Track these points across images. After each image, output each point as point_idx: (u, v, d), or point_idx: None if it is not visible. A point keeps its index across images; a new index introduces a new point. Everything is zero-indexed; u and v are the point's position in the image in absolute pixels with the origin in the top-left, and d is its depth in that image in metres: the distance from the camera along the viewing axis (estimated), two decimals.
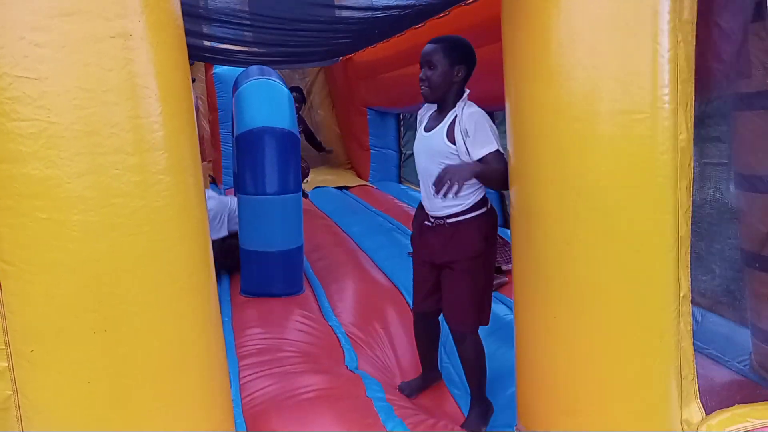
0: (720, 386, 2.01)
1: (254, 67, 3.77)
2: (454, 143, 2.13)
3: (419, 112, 2.41)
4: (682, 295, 1.74)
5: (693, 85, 1.67)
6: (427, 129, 2.26)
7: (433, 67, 2.17)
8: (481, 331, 2.31)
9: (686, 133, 1.68)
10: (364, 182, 7.29)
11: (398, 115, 7.24)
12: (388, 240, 4.34)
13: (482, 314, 2.29)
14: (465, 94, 2.21)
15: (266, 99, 3.35)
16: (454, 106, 2.18)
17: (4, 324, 1.34)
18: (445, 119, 2.18)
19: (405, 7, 3.75)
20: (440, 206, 2.21)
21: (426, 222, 2.30)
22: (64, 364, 1.33)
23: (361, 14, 4.19)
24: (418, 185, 7.52)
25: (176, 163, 1.42)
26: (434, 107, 2.29)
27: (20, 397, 1.37)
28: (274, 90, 3.41)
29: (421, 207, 2.36)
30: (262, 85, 3.40)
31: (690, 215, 1.73)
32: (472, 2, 3.58)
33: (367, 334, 2.84)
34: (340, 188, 7.00)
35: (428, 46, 2.20)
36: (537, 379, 1.88)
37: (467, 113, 2.13)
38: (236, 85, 3.65)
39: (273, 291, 3.33)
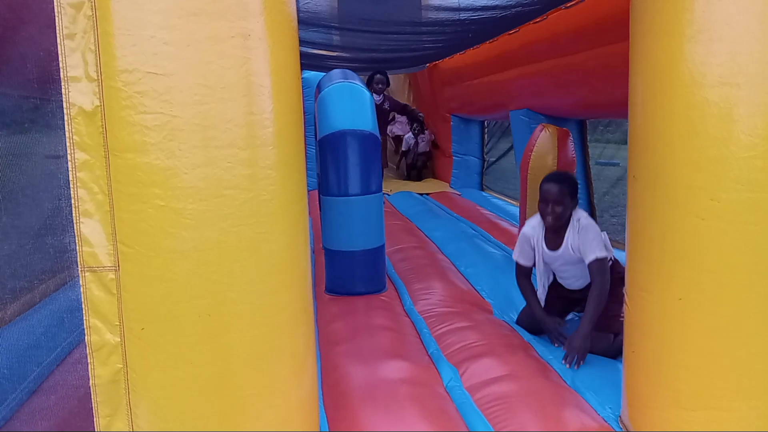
0: None
1: (337, 71, 3.84)
2: (576, 252, 2.65)
3: (527, 231, 2.81)
4: None
5: None
6: (551, 248, 2.74)
7: (560, 204, 2.63)
8: None
9: None
10: (446, 188, 7.27)
11: (482, 122, 7.17)
12: (470, 246, 4.30)
13: None
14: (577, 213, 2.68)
15: (348, 102, 3.42)
16: (569, 224, 2.67)
17: (120, 303, 1.44)
18: (566, 237, 2.67)
19: (494, 8, 3.69)
20: (577, 284, 2.84)
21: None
22: (170, 344, 1.41)
23: (450, 16, 4.17)
24: (499, 193, 7.41)
25: (283, 159, 1.47)
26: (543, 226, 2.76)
27: (129, 372, 1.47)
28: (356, 93, 3.47)
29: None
30: (344, 89, 3.47)
31: None
32: (571, 5, 3.50)
33: (449, 331, 2.82)
34: (422, 194, 7.02)
35: (553, 187, 2.65)
36: (650, 367, 1.81)
37: (584, 224, 2.63)
38: (319, 89, 3.73)
39: (357, 289, 3.38)
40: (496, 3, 3.60)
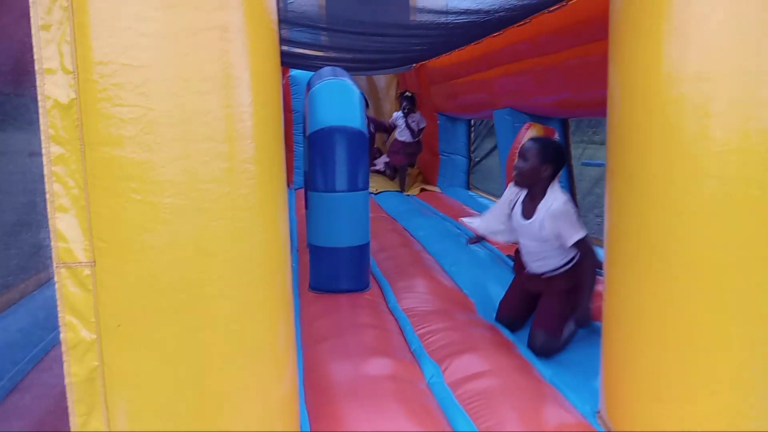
0: None
1: (327, 69, 3.85)
2: (548, 232, 2.64)
3: (507, 194, 2.89)
4: None
5: None
6: (525, 216, 2.75)
7: (528, 161, 2.66)
8: None
9: None
10: (432, 187, 7.28)
11: (469, 121, 7.20)
12: (454, 245, 4.31)
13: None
14: (554, 187, 2.68)
15: (338, 99, 3.42)
16: (543, 197, 2.66)
17: (95, 299, 1.42)
18: (537, 211, 2.68)
19: (480, 12, 3.72)
20: (536, 267, 2.82)
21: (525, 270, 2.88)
22: (147, 340, 1.39)
23: (437, 18, 4.18)
24: (486, 192, 7.42)
25: (262, 153, 1.46)
26: (524, 192, 2.78)
27: (105, 369, 1.44)
28: (346, 90, 3.47)
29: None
30: (334, 86, 3.48)
31: None
32: (554, 10, 3.52)
33: (432, 328, 2.82)
34: (408, 194, 7.02)
35: (531, 145, 2.70)
36: (627, 362, 1.83)
37: (555, 209, 2.61)
38: (309, 86, 3.74)
39: (341, 287, 3.38)
40: (480, 7, 3.61)
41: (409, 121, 7.10)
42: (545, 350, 2.63)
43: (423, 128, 7.18)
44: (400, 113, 7.20)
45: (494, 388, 2.19)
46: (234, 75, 1.39)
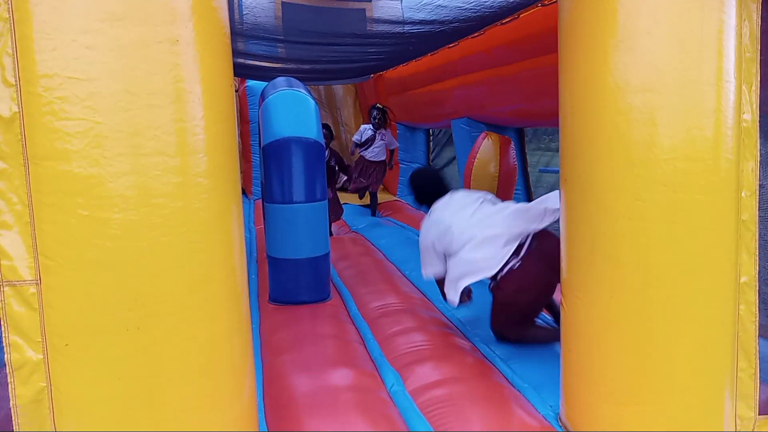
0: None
1: (281, 79, 3.82)
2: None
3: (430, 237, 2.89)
4: (742, 281, 1.71)
5: (758, 66, 1.68)
6: None
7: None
8: None
9: (751, 114, 1.67)
10: (392, 197, 7.30)
11: (428, 130, 7.27)
12: (414, 253, 4.32)
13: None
14: None
15: (293, 109, 3.40)
16: None
17: (42, 318, 1.37)
18: None
19: (435, 22, 3.77)
20: None
21: None
22: (97, 360, 1.35)
23: (393, 28, 4.22)
24: None
25: (216, 167, 1.44)
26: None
27: (53, 390, 1.39)
28: (301, 101, 3.45)
29: None
30: (288, 96, 3.46)
31: (755, 201, 1.72)
32: (507, 23, 3.60)
33: (393, 335, 2.82)
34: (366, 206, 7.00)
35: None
36: (584, 366, 1.87)
37: None
38: (263, 96, 3.71)
39: (301, 298, 3.35)
40: (434, 17, 3.66)
41: (378, 137, 6.14)
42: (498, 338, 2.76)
43: (393, 151, 6.39)
44: (368, 127, 6.21)
45: (456, 393, 2.21)
46: (185, 89, 1.37)
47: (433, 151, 7.47)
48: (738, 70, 1.67)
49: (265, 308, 3.36)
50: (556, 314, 2.84)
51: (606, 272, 1.77)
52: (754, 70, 1.73)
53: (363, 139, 6.14)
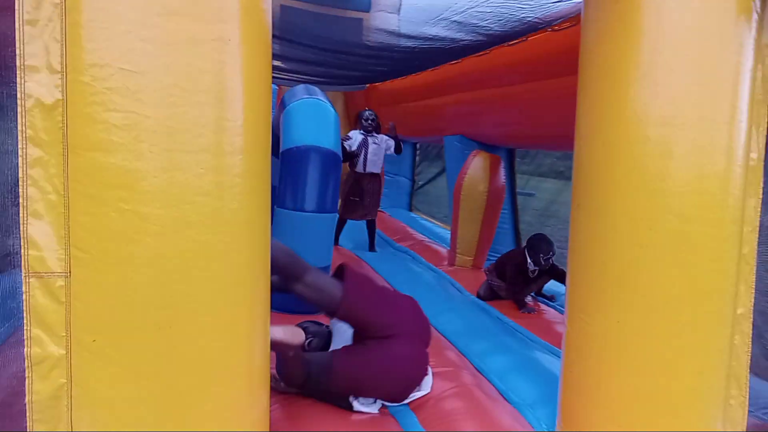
0: None
1: (300, 87, 3.84)
2: None
3: None
4: (739, 312, 1.77)
5: (767, 108, 1.75)
6: None
7: None
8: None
9: (757, 153, 1.74)
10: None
11: (414, 144, 7.31)
12: (402, 266, 4.35)
13: None
14: None
15: (314, 118, 3.41)
16: None
17: (68, 312, 1.34)
18: None
19: (434, 39, 3.81)
20: None
21: None
22: (125, 357, 1.32)
23: (389, 39, 4.25)
24: (427, 214, 7.42)
25: (252, 168, 1.44)
26: None
27: (73, 387, 1.35)
28: (322, 110, 3.46)
29: None
30: (310, 105, 3.46)
31: (756, 236, 1.79)
32: (514, 44, 3.67)
33: None
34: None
35: None
36: (588, 387, 1.90)
37: None
38: (283, 104, 3.72)
39: (300, 308, 3.31)
40: (435, 34, 3.71)
41: (371, 142, 5.17)
42: None
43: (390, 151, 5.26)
44: (357, 132, 5.25)
45: (453, 409, 2.22)
46: (230, 88, 1.36)
47: (418, 165, 7.52)
48: (750, 111, 1.75)
49: None
50: None
51: (615, 296, 1.81)
52: (764, 111, 1.81)
53: (356, 147, 5.11)
